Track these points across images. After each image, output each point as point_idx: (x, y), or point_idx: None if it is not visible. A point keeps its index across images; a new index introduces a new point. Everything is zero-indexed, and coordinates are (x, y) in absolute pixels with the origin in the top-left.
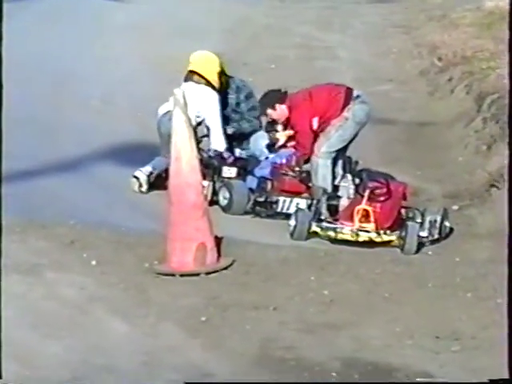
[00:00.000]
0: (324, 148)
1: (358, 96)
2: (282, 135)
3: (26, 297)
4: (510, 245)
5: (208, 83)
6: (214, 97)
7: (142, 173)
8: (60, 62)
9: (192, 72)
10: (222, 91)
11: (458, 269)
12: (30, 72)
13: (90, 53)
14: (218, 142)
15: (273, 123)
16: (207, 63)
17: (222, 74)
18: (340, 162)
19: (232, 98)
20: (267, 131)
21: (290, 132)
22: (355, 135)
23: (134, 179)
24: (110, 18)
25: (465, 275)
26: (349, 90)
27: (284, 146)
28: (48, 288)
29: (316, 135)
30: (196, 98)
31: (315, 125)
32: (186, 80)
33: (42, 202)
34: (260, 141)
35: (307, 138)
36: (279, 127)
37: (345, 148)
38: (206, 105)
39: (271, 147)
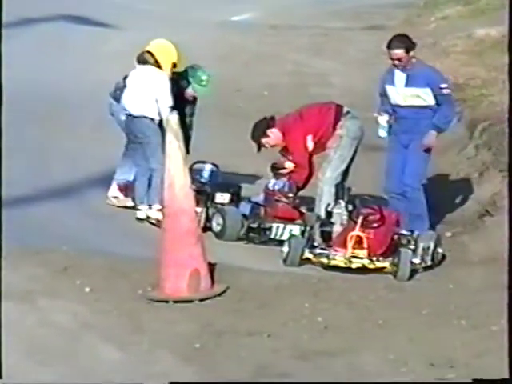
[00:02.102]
0: (328, 173)
1: (348, 112)
2: (290, 164)
3: (19, 324)
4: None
5: (159, 67)
6: (164, 79)
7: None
8: (52, 89)
9: (147, 52)
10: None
11: (451, 296)
12: (22, 98)
13: (82, 79)
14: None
15: (277, 168)
16: (163, 49)
17: (174, 65)
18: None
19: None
20: (274, 174)
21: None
22: (354, 152)
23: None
24: (104, 45)
25: (458, 302)
26: (339, 107)
27: (288, 173)
28: (41, 315)
29: (311, 155)
30: (148, 79)
31: (310, 143)
32: (139, 61)
33: (34, 229)
34: None
35: (303, 158)
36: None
37: (347, 171)
38: (156, 86)
39: (275, 170)
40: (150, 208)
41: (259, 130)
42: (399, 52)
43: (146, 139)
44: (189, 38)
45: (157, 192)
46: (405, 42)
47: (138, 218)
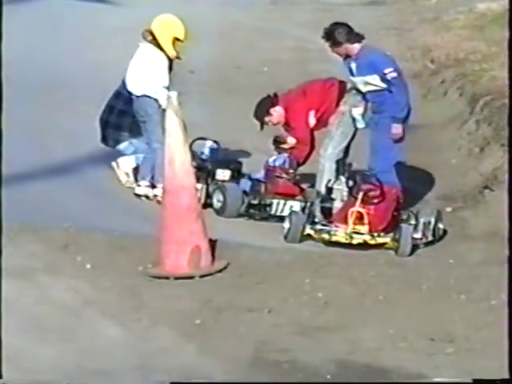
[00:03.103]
0: (330, 149)
1: (351, 88)
2: (292, 140)
3: (19, 301)
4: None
5: (159, 46)
6: (160, 58)
7: (127, 163)
8: (51, 66)
9: (148, 31)
10: (175, 58)
11: (451, 271)
12: (21, 76)
13: (81, 56)
14: (160, 97)
15: (279, 141)
16: (163, 25)
17: (177, 40)
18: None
19: None
20: (275, 147)
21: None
22: (356, 129)
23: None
24: (103, 21)
25: (458, 277)
26: (342, 83)
27: (290, 149)
28: (42, 292)
29: (313, 131)
30: (145, 58)
31: (312, 119)
32: (142, 38)
33: (35, 206)
34: None
35: (305, 134)
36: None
37: (348, 147)
38: (152, 65)
39: (277, 144)
40: (153, 187)
41: (262, 109)
42: (330, 45)
43: (147, 117)
44: (189, 14)
45: (159, 171)
46: (333, 36)
47: (136, 194)
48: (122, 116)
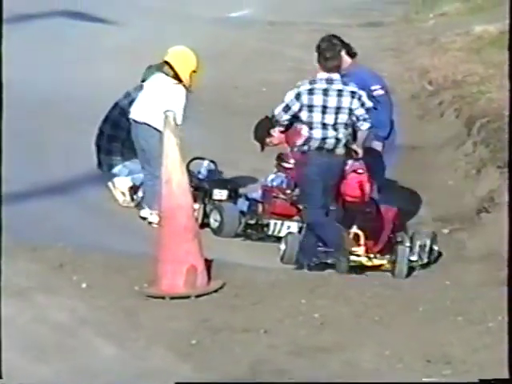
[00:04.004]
0: None
1: None
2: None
3: (15, 320)
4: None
5: (177, 78)
6: (180, 91)
7: (123, 183)
8: (50, 84)
9: (165, 63)
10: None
11: (448, 292)
12: (18, 94)
13: (79, 75)
14: None
15: (282, 159)
16: (182, 58)
17: (194, 72)
18: None
19: None
20: (277, 164)
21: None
22: None
23: (117, 191)
24: (103, 41)
25: (455, 299)
26: None
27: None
28: (37, 311)
29: None
30: (164, 91)
31: None
32: (157, 69)
33: (30, 225)
34: None
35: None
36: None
37: None
38: (172, 100)
39: (280, 161)
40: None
41: (262, 130)
42: None
43: (147, 146)
44: (187, 34)
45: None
46: (323, 40)
47: (141, 217)
48: (112, 141)
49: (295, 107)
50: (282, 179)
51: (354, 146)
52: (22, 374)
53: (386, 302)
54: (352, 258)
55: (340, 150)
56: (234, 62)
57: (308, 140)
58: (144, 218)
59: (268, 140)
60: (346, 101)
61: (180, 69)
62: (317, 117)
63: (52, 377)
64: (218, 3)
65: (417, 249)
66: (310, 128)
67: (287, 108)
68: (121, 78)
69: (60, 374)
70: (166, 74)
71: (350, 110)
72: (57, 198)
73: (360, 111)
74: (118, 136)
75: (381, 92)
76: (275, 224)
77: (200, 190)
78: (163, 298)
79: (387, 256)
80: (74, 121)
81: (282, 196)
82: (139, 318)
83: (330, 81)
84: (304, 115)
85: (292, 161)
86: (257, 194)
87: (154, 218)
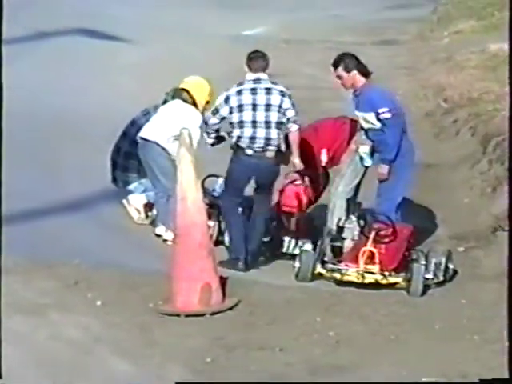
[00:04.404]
0: (341, 187)
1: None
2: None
3: (30, 337)
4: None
5: (194, 104)
6: (198, 117)
7: (137, 200)
8: (64, 102)
9: (183, 90)
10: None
11: (464, 311)
12: (34, 111)
13: (94, 92)
14: None
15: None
16: (199, 87)
17: (208, 103)
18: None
19: None
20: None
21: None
22: (367, 167)
23: (132, 208)
24: (117, 58)
25: (471, 317)
26: (354, 121)
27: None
28: (52, 329)
29: (326, 169)
30: (181, 115)
31: (324, 157)
32: (173, 96)
33: (46, 242)
34: None
35: (317, 172)
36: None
37: (358, 186)
38: (189, 124)
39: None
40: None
41: None
42: (337, 70)
43: (156, 165)
44: (201, 52)
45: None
46: (343, 60)
47: (156, 234)
48: (128, 158)
49: (224, 111)
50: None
51: (296, 161)
52: None
53: (402, 320)
54: (367, 275)
55: (270, 153)
56: None
57: (238, 139)
58: (159, 236)
59: None
60: (275, 98)
61: (197, 97)
62: (247, 115)
63: None
64: (232, 21)
65: (432, 267)
66: (241, 127)
67: (216, 111)
68: (135, 95)
69: None
70: (185, 101)
71: (280, 107)
72: (72, 215)
73: (291, 112)
74: (134, 153)
75: (388, 115)
76: (289, 241)
77: (214, 207)
78: (178, 315)
79: (402, 274)
80: (89, 138)
81: (296, 214)
82: (154, 336)
83: (257, 80)
84: (235, 117)
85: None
86: (271, 211)
87: (168, 235)
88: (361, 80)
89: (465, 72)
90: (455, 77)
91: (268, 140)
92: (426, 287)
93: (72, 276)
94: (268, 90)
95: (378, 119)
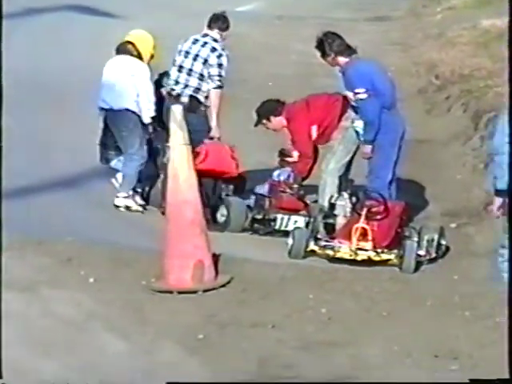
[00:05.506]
0: (332, 164)
1: None
2: (296, 154)
3: (22, 314)
4: None
5: (139, 57)
6: (147, 70)
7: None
8: (56, 79)
9: (128, 43)
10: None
11: (456, 287)
12: (26, 89)
13: (85, 69)
14: (147, 113)
15: (284, 154)
16: (144, 41)
17: (152, 57)
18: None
19: None
20: (280, 160)
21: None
22: (359, 145)
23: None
24: (108, 35)
25: (463, 293)
26: (346, 99)
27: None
28: (45, 305)
29: (316, 145)
30: (129, 68)
31: (314, 133)
32: (118, 51)
33: (39, 219)
34: None
35: (308, 147)
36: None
37: (350, 163)
38: (140, 77)
39: (282, 156)
40: (132, 197)
41: (265, 111)
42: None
43: (127, 132)
44: (193, 28)
45: (132, 181)
46: (319, 47)
47: (115, 205)
48: (105, 134)
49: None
50: (288, 174)
51: (212, 124)
52: (27, 368)
53: (394, 296)
54: (360, 252)
55: (185, 99)
56: (241, 56)
57: (168, 79)
58: (118, 207)
59: (264, 121)
60: (204, 51)
61: (143, 51)
62: (179, 59)
63: (59, 371)
64: None
65: (424, 243)
66: (172, 69)
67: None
68: None
69: (66, 369)
70: (131, 54)
71: (206, 61)
72: (64, 192)
73: (214, 70)
74: (108, 129)
75: (362, 96)
76: (282, 219)
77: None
78: (171, 292)
79: (395, 251)
80: (79, 115)
81: (288, 190)
82: (146, 313)
83: (204, 35)
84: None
85: (295, 154)
86: (264, 188)
87: (129, 202)
88: (342, 60)
89: (457, 48)
90: (447, 53)
91: (186, 87)
92: (419, 264)
93: (65, 253)
94: (204, 44)
95: (355, 100)
